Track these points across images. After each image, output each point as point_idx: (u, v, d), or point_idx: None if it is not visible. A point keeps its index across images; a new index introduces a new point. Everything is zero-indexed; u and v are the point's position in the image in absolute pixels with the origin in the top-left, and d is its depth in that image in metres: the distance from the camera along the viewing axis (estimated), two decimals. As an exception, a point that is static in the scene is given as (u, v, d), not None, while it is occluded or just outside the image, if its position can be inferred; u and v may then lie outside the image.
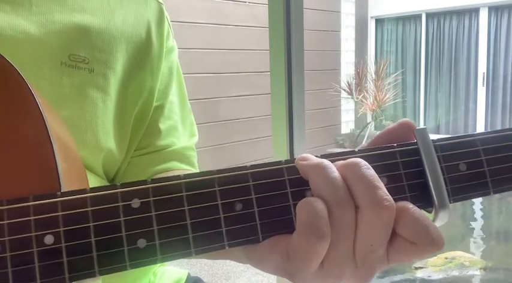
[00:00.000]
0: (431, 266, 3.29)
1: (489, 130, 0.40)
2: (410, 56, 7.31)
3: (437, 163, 0.38)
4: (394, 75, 6.76)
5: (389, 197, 0.35)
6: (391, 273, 3.34)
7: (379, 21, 7.47)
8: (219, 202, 0.36)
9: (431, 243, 0.35)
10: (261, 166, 0.37)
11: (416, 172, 0.38)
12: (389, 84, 6.60)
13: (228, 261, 3.08)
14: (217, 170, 0.37)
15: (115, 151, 0.58)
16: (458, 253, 3.40)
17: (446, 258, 3.32)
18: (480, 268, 3.24)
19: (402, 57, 7.39)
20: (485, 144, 0.39)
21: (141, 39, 0.61)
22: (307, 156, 0.37)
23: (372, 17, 7.42)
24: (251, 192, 0.36)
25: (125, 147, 0.60)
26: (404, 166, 0.38)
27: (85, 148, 0.53)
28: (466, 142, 0.39)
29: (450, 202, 0.38)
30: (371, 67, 6.75)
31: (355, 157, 0.37)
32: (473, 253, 3.51)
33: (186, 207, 0.35)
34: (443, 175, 0.38)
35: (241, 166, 0.37)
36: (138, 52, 0.60)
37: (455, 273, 3.20)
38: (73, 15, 0.55)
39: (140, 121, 0.62)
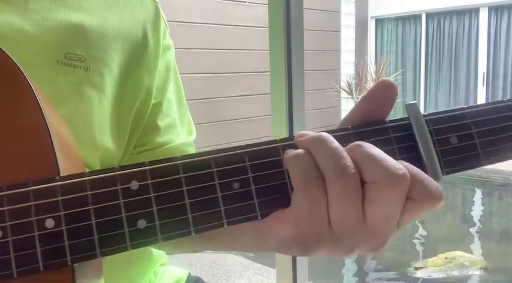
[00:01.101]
0: (431, 266, 3.29)
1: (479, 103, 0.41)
2: (410, 56, 7.32)
3: (429, 137, 0.38)
4: (394, 75, 6.76)
5: (401, 166, 0.35)
6: (391, 272, 3.34)
7: (379, 21, 7.47)
8: (217, 182, 0.36)
9: (430, 196, 0.36)
10: (256, 145, 0.38)
11: (409, 147, 0.39)
12: (389, 84, 6.60)
13: (228, 261, 3.08)
14: (214, 150, 0.37)
15: (112, 149, 0.58)
16: (458, 253, 3.40)
17: (446, 258, 3.32)
18: (480, 268, 3.24)
19: (402, 57, 7.39)
20: (475, 117, 0.40)
21: (137, 38, 0.61)
22: (305, 132, 0.38)
23: (372, 17, 7.42)
24: (248, 172, 0.37)
25: (124, 144, 0.61)
26: (397, 141, 0.39)
27: (82, 146, 0.54)
28: (457, 116, 0.40)
29: (443, 175, 0.39)
30: (371, 67, 6.75)
31: (350, 133, 0.39)
32: (473, 253, 3.52)
33: (185, 188, 0.36)
34: (435, 148, 0.39)
35: (237, 146, 0.38)
36: (134, 51, 0.60)
37: (455, 273, 3.21)
38: (69, 13, 0.56)
39: (138, 119, 0.62)
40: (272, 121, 1.68)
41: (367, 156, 0.35)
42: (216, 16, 5.13)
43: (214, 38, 5.11)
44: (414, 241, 3.84)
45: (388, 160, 0.35)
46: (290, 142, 0.38)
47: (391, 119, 0.40)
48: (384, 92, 0.40)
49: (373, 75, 6.61)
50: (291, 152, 0.37)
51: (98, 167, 0.58)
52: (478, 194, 5.22)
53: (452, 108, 0.41)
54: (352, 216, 0.36)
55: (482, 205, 5.01)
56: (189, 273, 0.77)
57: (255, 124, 5.35)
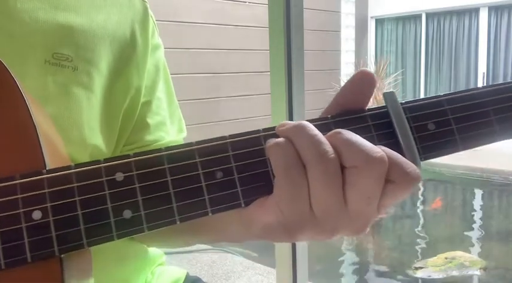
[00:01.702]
0: (431, 266, 3.29)
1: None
2: (410, 56, 7.32)
3: (407, 124, 0.40)
4: (394, 75, 6.77)
5: (379, 149, 0.36)
6: (391, 272, 3.34)
7: (379, 21, 7.47)
8: (200, 171, 0.37)
9: (408, 177, 0.37)
10: (239, 135, 0.39)
11: (387, 134, 0.40)
12: (389, 84, 6.60)
13: (228, 261, 3.08)
14: (197, 141, 0.38)
15: (102, 147, 0.59)
16: (458, 253, 3.40)
17: (446, 258, 3.32)
18: (480, 268, 3.24)
19: (402, 57, 7.39)
20: (452, 104, 0.41)
21: (125, 38, 0.61)
22: (286, 122, 0.39)
23: (372, 17, 7.42)
24: (231, 161, 0.38)
25: (113, 142, 0.61)
26: (375, 128, 0.40)
27: (71, 145, 0.54)
28: (434, 103, 0.41)
29: (421, 160, 0.40)
30: (371, 67, 6.76)
31: (329, 122, 0.40)
32: (473, 253, 3.52)
33: (169, 178, 0.37)
34: (413, 134, 0.40)
35: (221, 137, 0.39)
36: (122, 50, 0.61)
37: (455, 273, 3.21)
38: (57, 13, 0.56)
39: (128, 117, 0.62)
40: (272, 121, 1.68)
41: (346, 142, 0.36)
42: (216, 16, 5.13)
43: (214, 38, 5.11)
44: (414, 241, 3.84)
45: (365, 145, 0.36)
46: (272, 132, 0.39)
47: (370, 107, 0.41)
48: (363, 82, 0.41)
49: (373, 75, 6.61)
50: (272, 141, 0.38)
51: None
52: (478, 194, 5.22)
53: (429, 96, 0.42)
54: (333, 200, 0.37)
55: (482, 205, 5.01)
56: (187, 273, 0.77)
57: (255, 124, 5.35)
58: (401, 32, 7.36)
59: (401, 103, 0.40)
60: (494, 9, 6.62)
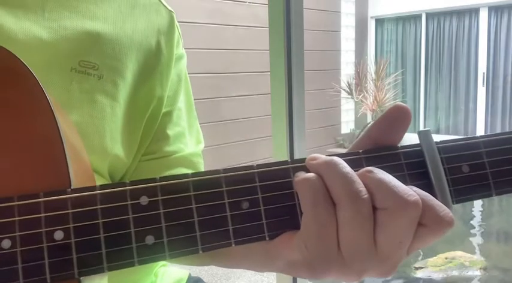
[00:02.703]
0: (431, 266, 3.29)
1: (490, 132, 0.41)
2: (410, 56, 7.31)
3: (441, 165, 0.38)
4: (394, 75, 6.76)
5: (413, 192, 0.35)
6: (391, 273, 3.34)
7: (379, 21, 7.47)
8: (226, 201, 0.37)
9: (441, 222, 0.35)
10: (267, 165, 0.38)
11: (420, 174, 0.39)
12: (389, 84, 6.60)
13: (228, 261, 3.08)
14: (224, 169, 0.37)
15: (122, 157, 0.59)
16: (458, 253, 3.40)
17: (446, 258, 3.32)
18: (480, 268, 3.24)
19: (402, 57, 7.39)
20: (488, 147, 0.40)
21: (151, 47, 0.61)
22: (317, 155, 0.37)
23: (372, 17, 7.42)
24: (258, 192, 0.37)
25: (133, 152, 0.61)
26: (408, 167, 0.39)
27: (92, 153, 0.54)
28: (469, 145, 0.40)
29: (453, 204, 0.38)
30: (371, 67, 6.75)
31: (361, 157, 0.38)
32: (473, 253, 3.51)
33: (194, 205, 0.36)
34: (446, 176, 0.38)
35: (248, 166, 0.38)
36: (148, 60, 0.61)
37: (455, 273, 3.21)
38: (84, 21, 0.56)
39: (149, 127, 0.62)
40: (272, 121, 1.68)
41: (379, 182, 0.35)
42: (216, 16, 5.13)
43: (215, 38, 5.11)
44: (414, 241, 3.84)
45: (399, 187, 0.35)
46: (301, 164, 0.38)
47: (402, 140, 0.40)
48: (399, 118, 0.39)
49: (373, 75, 6.61)
50: (301, 175, 0.37)
51: (106, 174, 0.58)
52: (478, 194, 5.21)
53: (465, 137, 0.41)
54: (363, 242, 0.35)
55: (482, 205, 5.01)
56: (190, 274, 0.77)
57: (255, 124, 5.35)
58: (401, 32, 7.36)
59: (436, 142, 0.39)
60: (494, 9, 6.62)
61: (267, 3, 1.61)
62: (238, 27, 5.34)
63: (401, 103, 0.40)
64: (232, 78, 5.30)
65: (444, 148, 0.39)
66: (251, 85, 5.35)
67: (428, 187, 0.38)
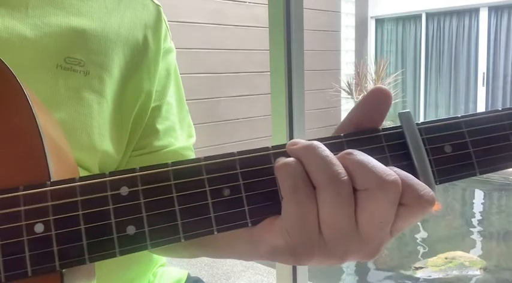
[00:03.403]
0: (431, 266, 3.29)
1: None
2: (410, 56, 7.32)
3: (422, 146, 0.38)
4: (394, 75, 6.76)
5: (392, 172, 0.35)
6: (391, 272, 3.34)
7: (379, 21, 7.47)
8: (207, 188, 0.36)
9: (421, 201, 0.35)
10: (248, 152, 0.38)
11: (402, 155, 0.39)
12: (389, 84, 6.60)
13: (228, 261, 3.08)
14: (205, 157, 0.37)
15: (112, 153, 0.58)
16: (458, 253, 3.40)
17: (446, 258, 3.32)
18: (480, 268, 3.24)
19: (402, 57, 7.39)
20: (470, 126, 0.40)
21: (138, 42, 0.61)
22: (297, 140, 0.37)
23: (372, 17, 7.42)
24: (239, 179, 0.37)
25: (123, 148, 0.61)
26: (389, 149, 0.39)
27: (80, 150, 0.54)
28: (451, 125, 0.40)
29: (436, 184, 0.38)
30: (371, 67, 6.75)
31: (342, 141, 0.38)
32: (473, 253, 3.51)
33: (175, 194, 0.36)
34: (429, 157, 0.38)
35: (229, 153, 0.38)
36: (134, 54, 0.60)
37: (455, 273, 3.21)
38: (69, 18, 0.55)
39: (138, 122, 0.62)
40: (272, 121, 1.68)
41: (358, 164, 0.35)
42: (216, 16, 5.13)
43: (214, 38, 5.11)
44: (414, 241, 3.84)
45: (378, 167, 0.35)
46: (282, 150, 0.38)
47: (385, 124, 0.40)
48: (379, 100, 0.39)
49: (373, 75, 6.61)
50: (281, 160, 0.37)
51: (96, 171, 0.58)
52: (478, 194, 5.22)
53: (446, 116, 0.40)
54: (344, 224, 0.35)
55: (482, 205, 5.01)
56: (189, 274, 0.77)
57: (255, 124, 5.35)
58: (401, 32, 7.36)
59: (417, 123, 0.39)
60: (494, 9, 6.62)
61: (267, 3, 1.61)
62: (238, 27, 5.34)
63: (381, 86, 0.40)
64: (232, 78, 5.30)
65: (426, 129, 0.39)
66: (251, 85, 5.35)
67: (410, 168, 0.38)
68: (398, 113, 0.39)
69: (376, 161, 0.36)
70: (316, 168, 0.35)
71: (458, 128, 0.39)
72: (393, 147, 0.39)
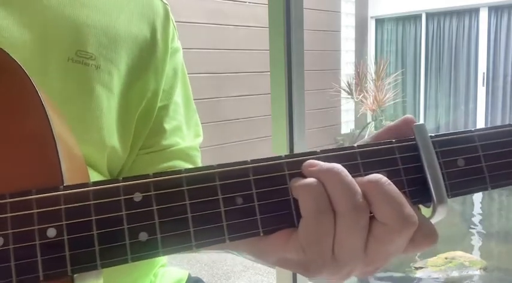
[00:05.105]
0: (431, 266, 3.29)
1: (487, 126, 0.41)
2: (410, 56, 7.31)
3: (436, 159, 0.38)
4: (394, 75, 6.76)
5: (414, 213, 0.36)
6: (391, 272, 3.34)
7: (379, 21, 7.47)
8: (220, 196, 0.36)
9: (426, 238, 0.37)
10: (261, 161, 0.38)
11: (414, 168, 0.39)
12: (389, 84, 6.60)
13: (228, 261, 3.08)
14: (218, 164, 0.37)
15: (119, 149, 0.58)
16: (458, 253, 3.40)
17: (446, 258, 3.32)
18: (480, 268, 3.24)
19: (402, 57, 7.39)
20: (483, 140, 0.40)
21: (146, 40, 0.61)
22: (315, 162, 0.37)
23: (372, 17, 7.41)
24: (252, 187, 0.37)
25: (128, 145, 0.61)
26: (402, 161, 0.39)
27: (90, 145, 0.54)
28: (464, 138, 0.40)
29: (448, 197, 0.39)
30: (371, 67, 6.75)
31: (355, 152, 0.38)
32: (473, 253, 3.51)
33: (187, 201, 0.36)
34: (442, 170, 0.38)
35: (242, 161, 0.37)
36: (142, 52, 0.60)
37: (455, 273, 3.21)
38: (82, 11, 0.55)
39: (144, 121, 0.62)
40: (272, 121, 1.68)
41: (384, 197, 0.36)
42: (216, 16, 5.13)
43: (214, 38, 5.11)
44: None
45: (406, 206, 0.35)
46: (294, 159, 0.38)
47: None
48: (407, 127, 0.40)
49: (373, 75, 6.61)
50: (302, 180, 0.37)
51: (104, 167, 0.58)
52: (478, 194, 5.22)
53: (460, 130, 0.40)
54: (357, 247, 0.36)
55: (482, 205, 5.01)
56: (189, 274, 0.77)
57: (255, 124, 5.35)
58: (401, 32, 7.36)
59: (430, 136, 0.39)
60: (494, 9, 6.62)
61: (267, 3, 1.61)
62: (239, 27, 5.34)
63: (410, 116, 0.41)
64: (232, 78, 5.29)
65: (439, 142, 0.39)
66: (251, 85, 5.35)
67: (423, 181, 0.38)
68: (413, 125, 0.39)
69: (402, 196, 0.36)
70: (339, 194, 0.36)
71: (471, 142, 0.39)
72: (406, 159, 0.39)
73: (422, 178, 0.38)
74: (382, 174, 0.37)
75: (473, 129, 0.40)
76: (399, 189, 0.37)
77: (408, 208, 0.35)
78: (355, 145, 0.39)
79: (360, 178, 0.37)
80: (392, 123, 0.41)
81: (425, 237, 0.36)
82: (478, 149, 0.39)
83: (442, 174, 0.38)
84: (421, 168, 0.38)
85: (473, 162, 0.39)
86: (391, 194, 0.36)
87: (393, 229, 0.35)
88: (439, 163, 0.38)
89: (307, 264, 0.37)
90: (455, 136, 0.40)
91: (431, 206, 0.39)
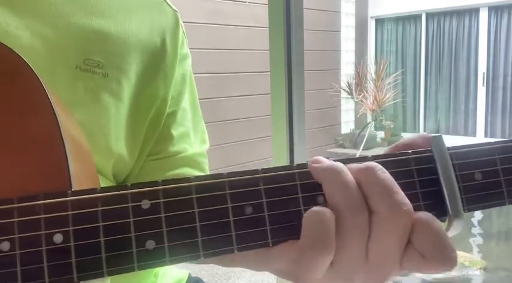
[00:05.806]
0: (431, 266, 3.28)
1: (490, 132, 0.40)
2: (410, 56, 7.31)
3: (452, 172, 0.37)
4: (394, 75, 6.76)
5: (408, 201, 0.35)
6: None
7: (379, 21, 7.47)
8: (229, 205, 0.36)
9: (443, 262, 0.34)
10: (272, 170, 0.37)
11: (430, 180, 0.37)
12: (389, 84, 6.60)
13: (228, 261, 3.08)
14: (228, 173, 0.36)
15: (126, 157, 0.58)
16: (459, 253, 3.39)
17: (446, 258, 3.31)
18: (480, 268, 3.24)
19: (402, 57, 7.39)
20: (501, 153, 0.38)
21: (156, 47, 0.61)
22: (320, 158, 0.37)
23: (372, 17, 7.42)
24: (262, 196, 0.36)
25: (136, 152, 0.61)
26: (418, 173, 0.37)
27: (96, 152, 0.54)
28: (482, 151, 0.38)
29: (465, 212, 0.37)
30: (371, 67, 6.75)
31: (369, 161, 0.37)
32: (473, 253, 3.51)
33: (196, 210, 0.35)
34: (458, 184, 0.37)
35: (253, 170, 0.37)
36: (152, 59, 0.60)
37: (455, 273, 3.20)
38: (91, 19, 0.55)
39: (153, 127, 0.62)
40: (272, 121, 1.68)
41: (376, 182, 0.35)
42: (216, 16, 5.13)
43: (215, 38, 5.11)
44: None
45: (395, 192, 0.35)
46: (306, 169, 0.37)
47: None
48: (421, 141, 0.39)
49: (373, 75, 6.61)
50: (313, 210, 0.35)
51: (110, 174, 0.58)
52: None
53: (478, 143, 0.39)
54: (356, 252, 0.35)
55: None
56: (189, 274, 0.77)
57: (255, 124, 5.35)
58: (401, 32, 7.36)
59: (448, 148, 0.38)
60: (494, 9, 6.62)
61: (267, 3, 1.61)
62: (239, 27, 5.34)
63: (427, 134, 0.40)
64: (232, 78, 5.30)
65: (456, 155, 0.38)
66: (251, 85, 5.35)
67: (439, 194, 0.37)
68: (430, 137, 0.38)
69: (398, 187, 0.35)
70: (335, 193, 0.35)
71: (490, 155, 0.38)
72: (422, 171, 0.38)
73: (438, 191, 0.37)
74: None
75: (491, 141, 0.39)
76: (414, 202, 0.36)
77: (400, 195, 0.35)
78: (370, 155, 0.38)
79: (350, 165, 0.36)
80: (408, 138, 0.40)
81: (437, 250, 0.34)
82: (497, 162, 0.38)
83: (459, 187, 0.37)
84: (437, 181, 0.37)
85: (491, 176, 0.38)
86: (384, 180, 0.35)
87: (387, 218, 0.34)
88: (456, 176, 0.37)
89: (300, 277, 0.36)
90: (473, 149, 0.38)
91: (447, 220, 0.37)
